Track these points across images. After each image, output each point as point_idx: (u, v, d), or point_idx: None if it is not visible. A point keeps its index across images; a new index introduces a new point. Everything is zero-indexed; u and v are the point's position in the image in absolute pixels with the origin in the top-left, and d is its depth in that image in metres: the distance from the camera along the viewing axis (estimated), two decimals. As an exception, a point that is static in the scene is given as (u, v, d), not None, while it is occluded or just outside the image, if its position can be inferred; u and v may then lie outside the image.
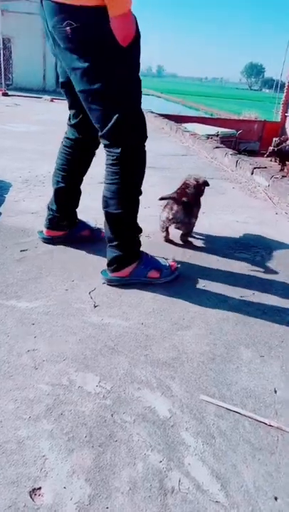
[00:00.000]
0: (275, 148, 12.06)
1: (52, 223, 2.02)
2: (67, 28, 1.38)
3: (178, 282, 1.79)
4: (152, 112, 9.48)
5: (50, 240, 2.05)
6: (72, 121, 1.84)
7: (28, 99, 11.19)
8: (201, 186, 2.17)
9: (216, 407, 1.14)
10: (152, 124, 7.93)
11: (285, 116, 15.63)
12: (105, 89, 1.45)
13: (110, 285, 1.73)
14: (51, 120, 7.06)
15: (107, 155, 1.60)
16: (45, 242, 2.05)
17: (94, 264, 1.89)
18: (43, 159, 3.94)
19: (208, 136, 6.95)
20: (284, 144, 12.19)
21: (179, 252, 2.09)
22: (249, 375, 1.28)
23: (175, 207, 2.03)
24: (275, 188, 3.22)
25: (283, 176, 3.48)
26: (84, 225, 2.11)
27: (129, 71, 1.48)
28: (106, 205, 1.65)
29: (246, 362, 1.34)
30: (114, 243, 1.70)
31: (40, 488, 0.88)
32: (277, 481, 0.95)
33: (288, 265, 2.04)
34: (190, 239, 2.22)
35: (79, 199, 2.04)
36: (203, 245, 2.21)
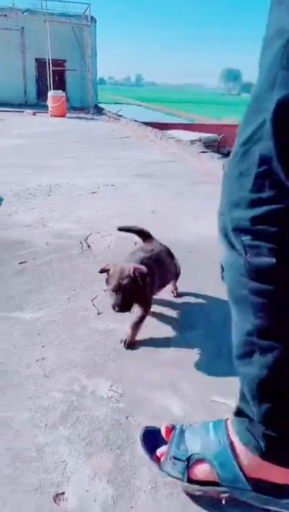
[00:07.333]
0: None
1: None
2: None
3: (184, 286, 1.81)
4: (136, 121, 9.58)
5: None
6: None
7: (11, 114, 11.21)
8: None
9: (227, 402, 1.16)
10: (136, 132, 8.01)
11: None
12: None
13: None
14: (34, 133, 7.07)
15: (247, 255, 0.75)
16: None
17: (92, 273, 1.91)
18: (30, 172, 3.96)
19: (192, 142, 7.03)
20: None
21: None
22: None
23: None
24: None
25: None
26: None
27: None
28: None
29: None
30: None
31: (63, 493, 0.89)
32: None
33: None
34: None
35: None
36: (192, 250, 2.25)
